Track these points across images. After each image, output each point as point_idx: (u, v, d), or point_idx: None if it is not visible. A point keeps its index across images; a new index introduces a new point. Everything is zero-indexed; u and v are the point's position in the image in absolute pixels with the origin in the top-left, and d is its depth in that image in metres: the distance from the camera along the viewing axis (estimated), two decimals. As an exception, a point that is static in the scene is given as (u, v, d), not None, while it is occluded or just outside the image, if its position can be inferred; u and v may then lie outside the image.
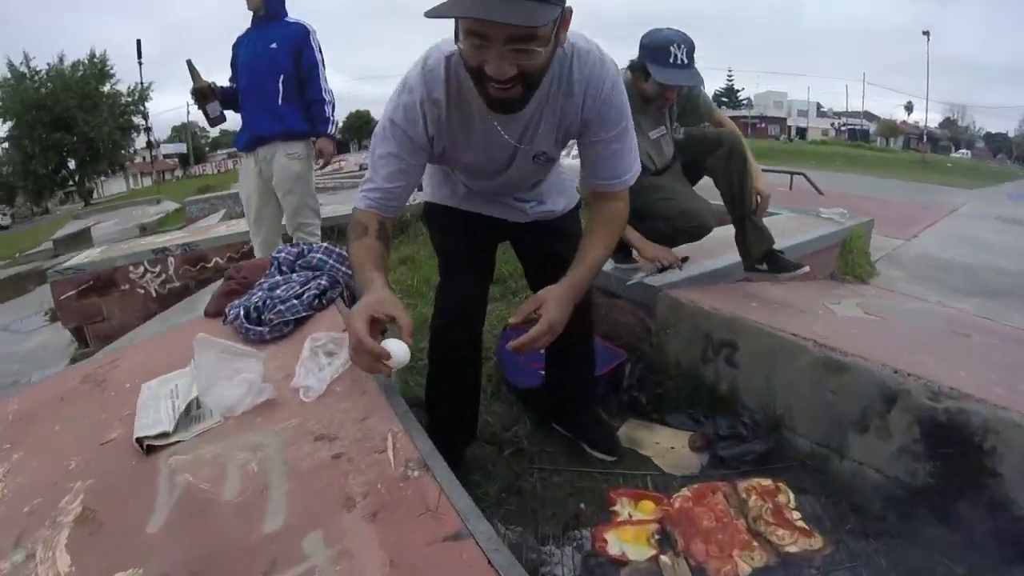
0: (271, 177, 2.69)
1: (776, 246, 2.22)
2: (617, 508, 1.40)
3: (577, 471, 1.62)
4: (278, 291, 1.52)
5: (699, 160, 2.16)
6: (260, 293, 1.53)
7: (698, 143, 2.18)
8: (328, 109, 2.68)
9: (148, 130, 25.27)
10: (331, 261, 1.66)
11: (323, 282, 1.57)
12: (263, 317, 1.43)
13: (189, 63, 2.71)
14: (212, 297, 1.76)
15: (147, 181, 37.45)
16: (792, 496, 1.47)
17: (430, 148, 1.16)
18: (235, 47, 2.72)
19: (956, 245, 4.14)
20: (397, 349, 0.97)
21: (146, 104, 24.38)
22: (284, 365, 1.25)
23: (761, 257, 2.18)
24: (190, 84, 2.68)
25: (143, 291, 3.10)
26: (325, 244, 1.72)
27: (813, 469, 1.66)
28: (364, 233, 1.12)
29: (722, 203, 2.17)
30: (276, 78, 2.60)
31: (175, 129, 54.45)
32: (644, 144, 2.00)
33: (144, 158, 33.89)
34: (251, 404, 1.09)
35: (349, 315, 1.03)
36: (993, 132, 63.51)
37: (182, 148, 44.56)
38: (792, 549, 1.32)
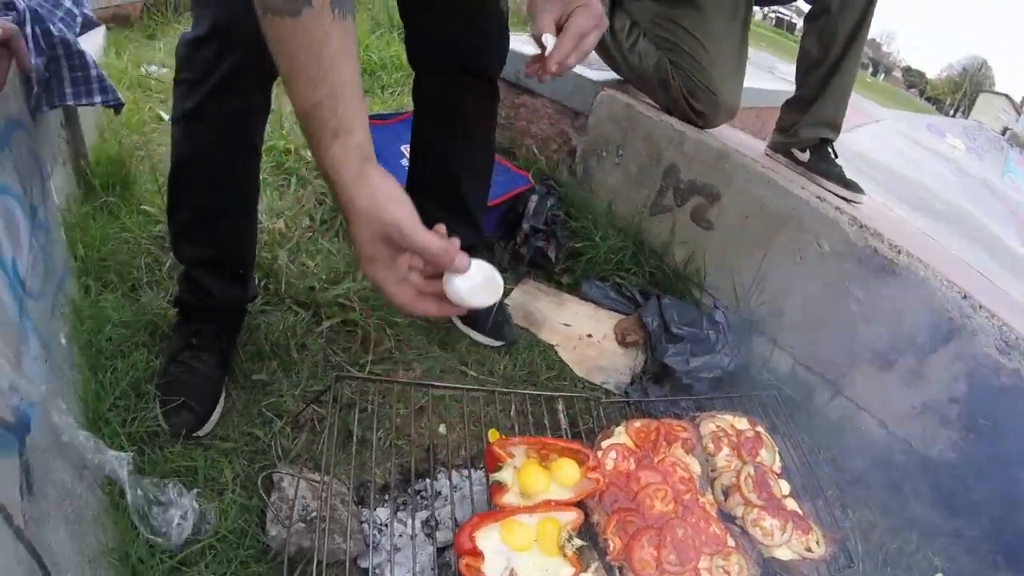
0: None
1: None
2: (503, 476, 0.70)
3: (426, 384, 0.89)
4: None
5: None
6: None
7: None
8: None
9: None
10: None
11: None
12: None
13: None
14: None
15: None
16: (778, 452, 0.90)
17: None
18: None
19: (890, 154, 3.86)
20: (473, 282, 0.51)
21: None
22: None
23: (811, 144, 1.34)
24: None
25: None
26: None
27: (789, 401, 1.11)
28: None
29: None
30: None
31: None
32: None
33: None
34: None
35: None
36: (913, 67, 65.63)
37: None
38: (783, 555, 0.76)
